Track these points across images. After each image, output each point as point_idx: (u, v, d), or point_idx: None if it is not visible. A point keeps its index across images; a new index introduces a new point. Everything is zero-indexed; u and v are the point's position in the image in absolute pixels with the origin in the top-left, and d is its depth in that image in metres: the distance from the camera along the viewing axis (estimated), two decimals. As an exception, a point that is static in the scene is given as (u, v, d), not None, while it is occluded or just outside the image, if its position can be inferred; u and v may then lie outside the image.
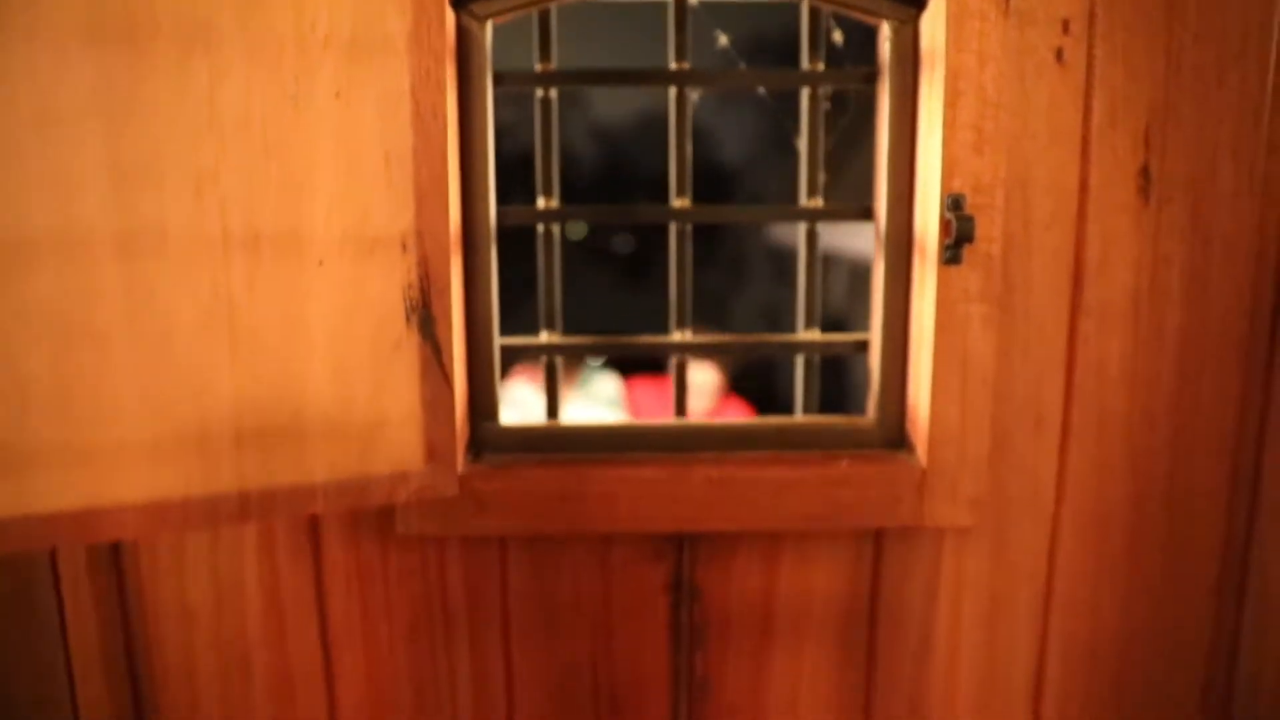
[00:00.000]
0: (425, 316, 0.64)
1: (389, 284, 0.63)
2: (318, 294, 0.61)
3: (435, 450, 0.65)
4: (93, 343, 0.57)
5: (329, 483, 0.62)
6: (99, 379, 0.57)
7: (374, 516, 0.74)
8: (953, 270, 0.71)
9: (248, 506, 0.60)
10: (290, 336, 0.61)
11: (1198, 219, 0.74)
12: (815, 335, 0.84)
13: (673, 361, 0.83)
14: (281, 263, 0.60)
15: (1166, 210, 0.74)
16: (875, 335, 0.79)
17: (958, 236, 0.69)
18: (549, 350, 0.83)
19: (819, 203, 0.82)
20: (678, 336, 0.83)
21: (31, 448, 0.56)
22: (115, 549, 0.75)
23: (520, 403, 1.92)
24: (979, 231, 0.70)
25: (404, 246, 0.63)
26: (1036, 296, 0.74)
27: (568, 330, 0.84)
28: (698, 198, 0.83)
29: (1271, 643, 0.79)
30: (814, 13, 0.78)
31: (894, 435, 0.79)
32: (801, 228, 0.83)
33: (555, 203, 0.82)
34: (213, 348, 0.59)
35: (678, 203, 0.81)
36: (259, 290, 0.60)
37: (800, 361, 0.84)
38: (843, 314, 3.71)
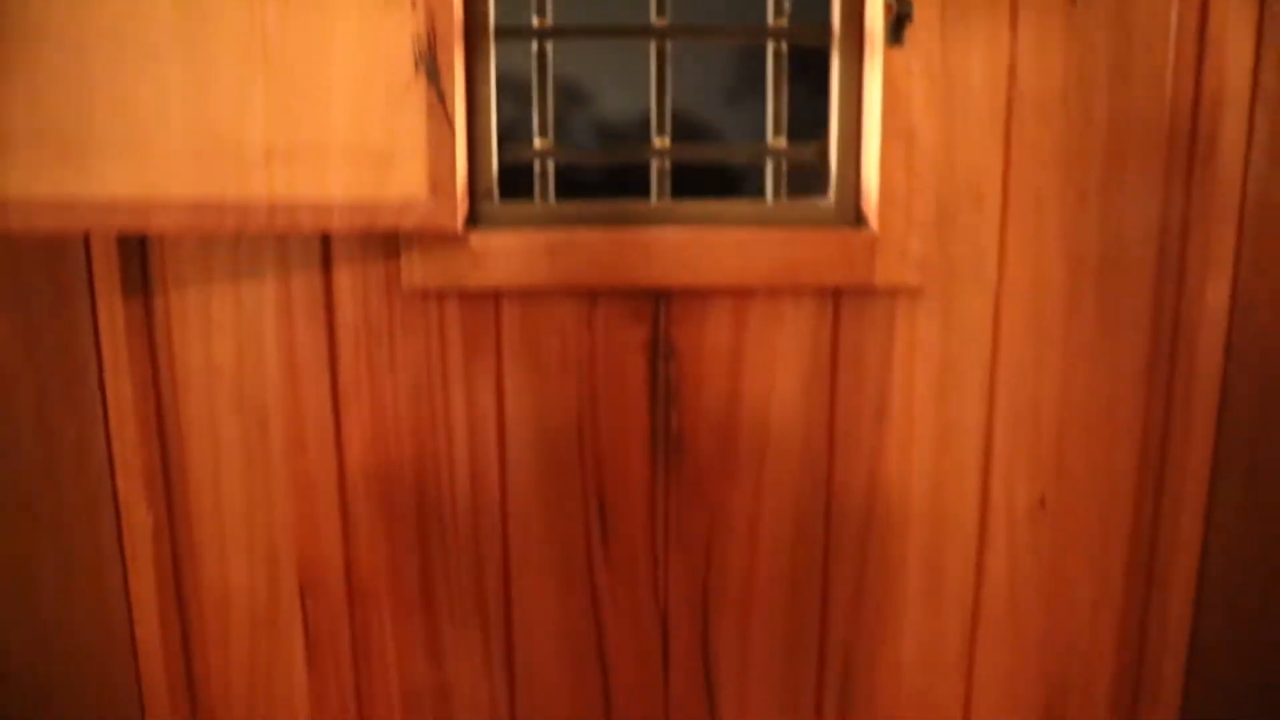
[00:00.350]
0: (431, 66, 0.73)
1: (400, 34, 0.72)
2: (339, 35, 0.71)
3: (438, 185, 0.74)
4: (148, 57, 0.66)
5: (345, 202, 0.71)
6: (153, 89, 0.66)
7: (382, 274, 0.83)
8: (896, 52, 0.80)
9: (275, 215, 0.69)
10: (315, 69, 0.70)
11: (1120, 17, 0.83)
12: (782, 143, 0.93)
13: (653, 164, 0.93)
14: (307, 6, 0.70)
15: (1092, 9, 0.83)
16: (832, 126, 0.88)
17: (898, 15, 0.79)
18: (541, 156, 0.92)
19: (784, 23, 0.92)
20: (658, 143, 0.92)
21: (95, 140, 0.65)
22: (149, 309, 0.84)
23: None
24: (918, 16, 0.80)
25: (413, 4, 0.73)
26: (975, 83, 0.83)
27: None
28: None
29: (1199, 409, 0.86)
30: None
31: (850, 215, 0.87)
32: (769, 47, 0.92)
33: (549, 22, 0.92)
34: (249, 72, 0.68)
35: (657, 21, 0.91)
36: (289, 27, 0.69)
37: (769, 167, 0.93)
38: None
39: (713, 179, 1.10)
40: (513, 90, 0.95)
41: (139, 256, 0.83)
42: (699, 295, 0.83)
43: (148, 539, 0.86)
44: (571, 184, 0.96)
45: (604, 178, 1.11)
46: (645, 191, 0.92)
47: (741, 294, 0.83)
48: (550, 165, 0.93)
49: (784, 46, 0.92)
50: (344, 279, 0.83)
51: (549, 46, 0.92)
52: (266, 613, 0.89)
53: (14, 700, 0.88)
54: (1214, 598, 0.89)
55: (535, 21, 0.91)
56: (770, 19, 0.92)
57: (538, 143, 0.92)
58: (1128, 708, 0.93)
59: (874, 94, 0.82)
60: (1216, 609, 0.89)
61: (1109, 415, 0.87)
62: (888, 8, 0.79)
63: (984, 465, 0.88)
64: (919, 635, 0.91)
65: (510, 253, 0.81)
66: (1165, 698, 0.92)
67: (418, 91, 0.73)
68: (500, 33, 0.89)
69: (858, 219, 0.86)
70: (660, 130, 0.92)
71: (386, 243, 0.82)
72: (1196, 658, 0.91)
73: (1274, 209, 0.83)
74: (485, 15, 0.86)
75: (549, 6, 0.92)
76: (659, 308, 0.84)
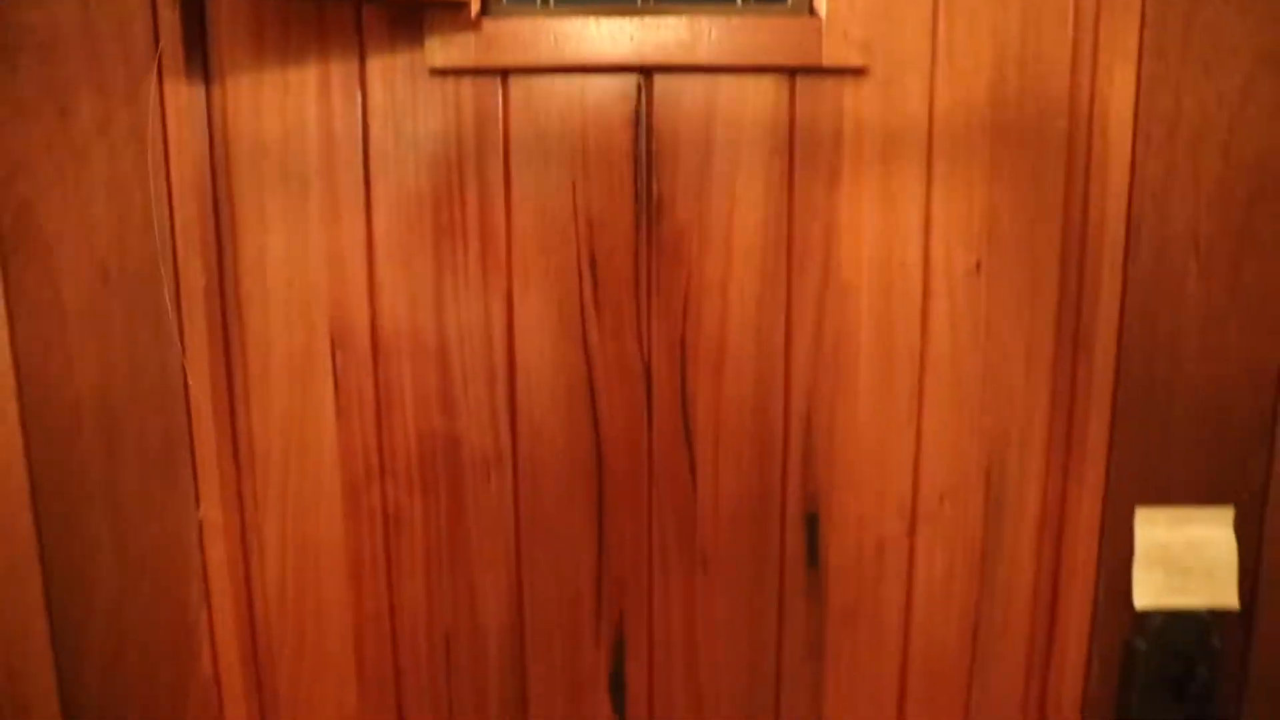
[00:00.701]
0: None
1: None
2: None
3: (455, -38, 0.89)
4: None
5: (378, -34, 0.86)
6: None
7: (408, 60, 0.97)
8: None
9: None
10: None
11: None
12: (750, -31, 1.08)
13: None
14: None
15: None
16: (791, -58, 1.02)
17: None
18: (543, -19, 1.07)
19: None
20: (643, -30, 1.07)
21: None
22: (209, 93, 0.98)
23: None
24: None
25: None
26: (910, -100, 0.98)
27: None
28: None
29: (1114, 180, 0.98)
30: None
31: (804, 14, 1.02)
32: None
33: None
34: None
35: None
36: None
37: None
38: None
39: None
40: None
41: (200, 47, 0.98)
42: (676, 75, 0.97)
43: (201, 297, 1.00)
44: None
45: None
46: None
47: (711, 74, 0.97)
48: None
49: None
50: (375, 65, 0.98)
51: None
52: (302, 365, 1.02)
53: (84, 428, 1.01)
54: (1133, 353, 1.01)
55: None
56: None
57: (540, -30, 1.07)
58: (1060, 458, 1.05)
59: (824, -92, 0.97)
60: (1135, 362, 1.01)
61: (1033, 186, 1.00)
62: None
63: (925, 231, 1.00)
64: (872, 390, 1.03)
65: (516, 36, 0.96)
66: (1093, 449, 1.03)
67: (439, -118, 0.88)
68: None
69: (810, 14, 1.01)
70: (644, -39, 1.08)
71: (411, 33, 0.96)
72: (1120, 409, 1.02)
73: (1170, 2, 0.97)
74: None
75: None
76: (642, 87, 0.98)
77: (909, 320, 1.01)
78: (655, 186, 0.99)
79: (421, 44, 0.96)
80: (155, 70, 0.97)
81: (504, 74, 0.97)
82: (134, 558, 1.05)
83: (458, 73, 0.97)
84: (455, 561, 1.06)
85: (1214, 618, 1.07)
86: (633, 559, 1.06)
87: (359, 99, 0.98)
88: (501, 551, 1.05)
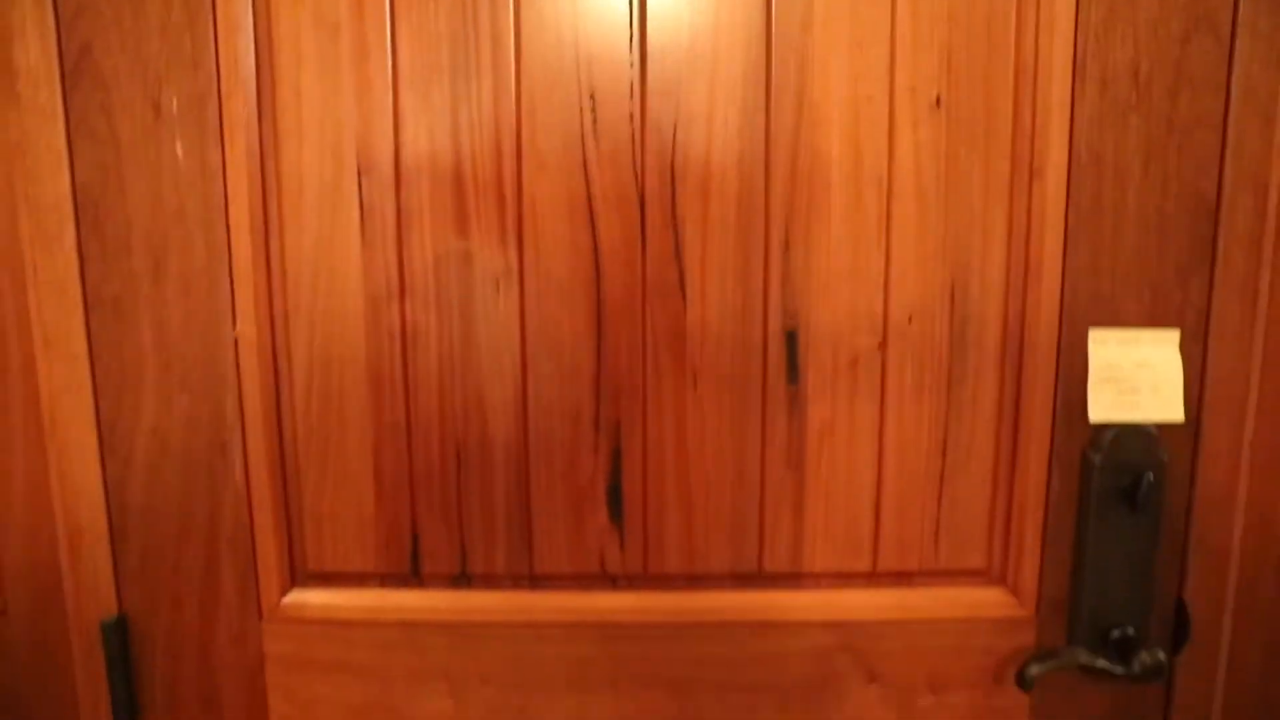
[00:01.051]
0: None
1: None
2: None
3: None
4: None
5: None
6: None
7: (428, -85, 1.10)
8: None
9: None
10: None
11: None
12: None
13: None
14: None
15: None
16: None
17: None
18: None
19: None
20: None
21: None
22: (253, -51, 1.11)
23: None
24: None
25: None
26: None
27: None
28: None
29: (1061, 19, 1.09)
30: None
31: (784, -117, 1.14)
32: None
33: None
34: None
35: None
36: None
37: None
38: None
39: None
40: None
41: (246, -91, 1.10)
42: (666, -74, 1.10)
43: (241, 129, 1.11)
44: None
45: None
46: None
47: (698, -75, 1.10)
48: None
49: None
50: (399, -79, 1.10)
51: None
52: (331, 193, 1.13)
53: (134, 250, 1.12)
54: (1082, 182, 1.11)
55: None
56: None
57: None
58: (1019, 281, 1.15)
59: None
60: (1084, 191, 1.11)
61: (986, 29, 1.11)
62: None
63: (890, 69, 1.11)
64: (844, 215, 1.13)
65: (524, -109, 1.09)
66: (1048, 273, 1.13)
67: None
68: None
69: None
70: None
71: (431, -108, 1.09)
72: (1071, 234, 1.12)
73: None
74: None
75: None
76: (636, -62, 1.10)
77: (877, 151, 1.12)
78: (647, 31, 1.11)
79: (441, -99, 1.09)
80: (205, -72, 1.10)
81: (514, -74, 1.10)
82: (176, 374, 1.16)
83: (473, -75, 1.10)
84: (466, 375, 1.16)
85: (1161, 431, 1.16)
86: (628, 373, 1.16)
87: (385, -49, 1.11)
88: (508, 364, 1.16)
